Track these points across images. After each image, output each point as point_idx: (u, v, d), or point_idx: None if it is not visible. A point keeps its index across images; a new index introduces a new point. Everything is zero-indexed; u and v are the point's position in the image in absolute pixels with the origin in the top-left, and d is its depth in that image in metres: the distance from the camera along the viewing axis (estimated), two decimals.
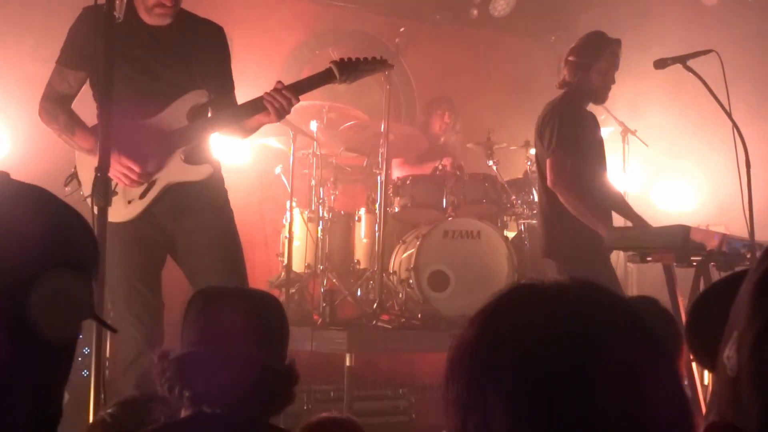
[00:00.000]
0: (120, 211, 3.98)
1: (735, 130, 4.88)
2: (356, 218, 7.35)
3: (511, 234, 7.15)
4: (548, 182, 5.15)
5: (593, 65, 5.24)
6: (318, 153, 7.10)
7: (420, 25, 8.61)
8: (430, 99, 8.44)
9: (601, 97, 5.38)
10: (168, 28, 4.12)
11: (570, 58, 5.31)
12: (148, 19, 4.09)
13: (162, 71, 4.10)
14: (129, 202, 4.04)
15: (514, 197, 7.10)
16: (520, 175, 7.35)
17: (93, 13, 3.36)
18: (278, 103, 4.02)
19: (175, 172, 4.09)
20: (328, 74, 4.18)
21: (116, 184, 3.94)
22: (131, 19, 4.04)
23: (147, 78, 4.08)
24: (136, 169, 3.94)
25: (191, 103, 4.11)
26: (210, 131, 4.16)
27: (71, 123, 4.07)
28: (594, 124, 5.43)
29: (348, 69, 4.19)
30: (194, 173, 4.14)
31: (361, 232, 7.29)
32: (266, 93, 4.04)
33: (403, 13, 8.55)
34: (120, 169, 3.92)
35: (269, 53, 8.12)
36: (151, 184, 4.05)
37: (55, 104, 4.11)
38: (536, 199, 6.83)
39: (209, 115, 4.15)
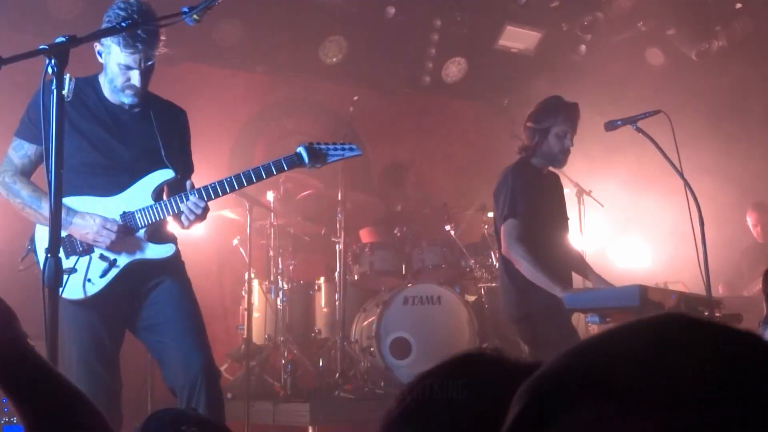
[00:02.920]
0: (78, 289, 3.92)
1: (687, 189, 4.94)
2: (316, 287, 7.31)
3: (471, 298, 7.14)
4: (502, 249, 5.16)
5: (551, 129, 5.26)
6: (275, 223, 7.08)
7: (373, 93, 8.67)
8: (390, 165, 8.48)
9: (559, 161, 5.39)
10: (134, 107, 4.10)
11: (528, 124, 5.34)
12: (113, 97, 4.08)
13: (124, 150, 4.06)
14: (89, 279, 3.97)
15: (472, 261, 7.10)
16: (478, 239, 7.37)
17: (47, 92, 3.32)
18: (190, 212, 4.00)
19: (138, 250, 4.05)
20: (297, 159, 4.18)
21: (77, 261, 3.90)
22: (94, 97, 4.05)
23: (109, 156, 4.04)
24: (112, 228, 3.90)
25: (158, 182, 4.08)
26: (171, 213, 4.10)
27: (36, 195, 3.99)
28: (552, 185, 5.46)
29: (318, 154, 4.21)
30: (158, 252, 4.09)
31: (321, 301, 7.25)
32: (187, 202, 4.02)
33: (356, 81, 8.61)
34: (97, 232, 3.88)
35: (223, 125, 8.12)
36: (112, 263, 3.99)
37: (15, 178, 4.03)
38: (495, 262, 6.85)
39: (164, 197, 4.11)
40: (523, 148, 5.37)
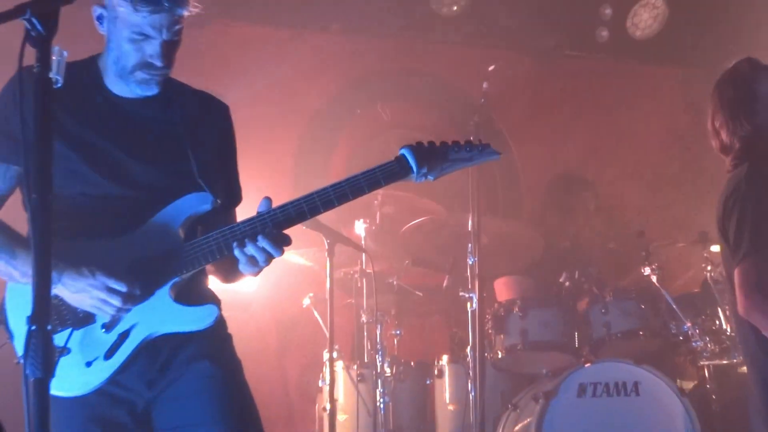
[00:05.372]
0: (74, 379, 3.96)
1: None
2: (436, 372, 7.34)
3: (688, 384, 7.09)
4: (739, 307, 5.08)
5: None
6: (369, 270, 7.12)
7: (518, 59, 8.65)
8: (555, 176, 8.47)
9: None
10: (151, 102, 4.17)
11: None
12: (121, 88, 4.16)
13: (137, 166, 4.11)
14: (88, 363, 4.03)
15: (689, 324, 7.03)
16: (697, 288, 7.29)
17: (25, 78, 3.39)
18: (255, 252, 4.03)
19: (160, 317, 4.07)
20: (398, 167, 4.13)
21: (69, 337, 3.96)
22: (92, 89, 4.13)
23: (115, 177, 4.09)
24: (121, 288, 3.93)
25: (187, 213, 4.13)
26: (214, 258, 4.13)
27: (9, 241, 4.04)
28: None
29: (431, 159, 4.16)
30: (191, 319, 4.08)
31: (445, 393, 7.27)
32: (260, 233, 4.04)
33: (490, 43, 8.62)
34: (98, 294, 3.93)
35: (282, 117, 8.22)
36: (122, 337, 4.04)
37: None
38: (724, 325, 6.78)
39: (199, 235, 4.13)
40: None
